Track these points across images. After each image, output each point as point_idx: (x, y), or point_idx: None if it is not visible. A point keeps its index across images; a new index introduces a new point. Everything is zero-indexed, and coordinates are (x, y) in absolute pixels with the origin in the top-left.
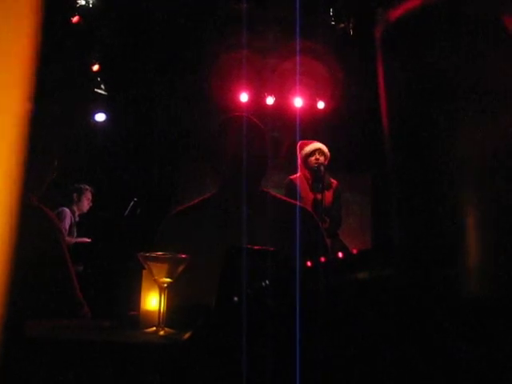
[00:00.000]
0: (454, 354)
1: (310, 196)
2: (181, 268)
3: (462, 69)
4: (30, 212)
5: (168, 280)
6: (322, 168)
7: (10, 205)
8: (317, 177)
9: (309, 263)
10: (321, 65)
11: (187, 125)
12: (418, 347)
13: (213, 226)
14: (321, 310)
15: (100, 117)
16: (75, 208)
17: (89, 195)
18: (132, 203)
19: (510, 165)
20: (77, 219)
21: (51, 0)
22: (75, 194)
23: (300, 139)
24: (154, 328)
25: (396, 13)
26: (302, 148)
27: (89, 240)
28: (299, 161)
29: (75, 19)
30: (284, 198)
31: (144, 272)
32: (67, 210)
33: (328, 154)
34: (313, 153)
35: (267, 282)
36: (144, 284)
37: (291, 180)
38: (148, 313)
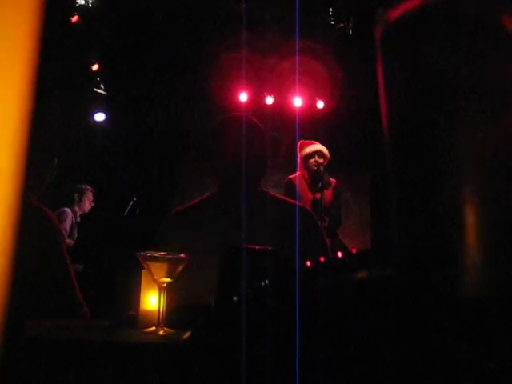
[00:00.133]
0: (454, 353)
1: (309, 195)
2: (180, 268)
3: (462, 69)
4: (30, 212)
5: (167, 280)
6: (321, 167)
7: (11, 205)
8: (316, 176)
9: (308, 263)
10: (320, 65)
11: (187, 125)
12: (417, 347)
13: (212, 225)
14: (320, 309)
15: (99, 116)
16: (77, 208)
17: (90, 195)
18: (131, 203)
19: (510, 165)
20: (78, 220)
21: (50, 0)
22: (76, 195)
23: (299, 139)
24: (154, 328)
25: (395, 13)
26: (301, 148)
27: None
28: (299, 160)
29: (74, 19)
30: (283, 197)
31: (143, 272)
32: (69, 211)
33: (328, 155)
34: (312, 155)
35: (267, 281)
36: (143, 284)
37: (290, 179)
38: (147, 312)
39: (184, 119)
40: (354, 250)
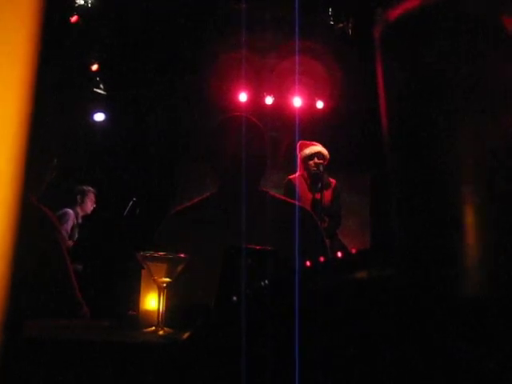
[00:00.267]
0: (454, 353)
1: (309, 196)
2: (180, 268)
3: (462, 69)
4: (30, 212)
5: (167, 280)
6: (320, 168)
7: (10, 205)
8: (315, 177)
9: (308, 263)
10: (320, 65)
11: (187, 125)
12: (417, 347)
13: (212, 225)
14: (320, 310)
15: (99, 116)
16: (79, 209)
17: (92, 197)
18: (131, 203)
19: (510, 165)
20: (80, 221)
21: (50, 0)
22: (79, 196)
23: (299, 139)
24: (154, 328)
25: (395, 12)
26: (301, 149)
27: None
28: (299, 161)
29: (74, 19)
30: (283, 197)
31: (143, 272)
32: (71, 212)
33: (328, 156)
34: (312, 156)
35: (266, 281)
36: (143, 284)
37: (290, 180)
38: (147, 313)
39: (184, 119)
40: (353, 250)
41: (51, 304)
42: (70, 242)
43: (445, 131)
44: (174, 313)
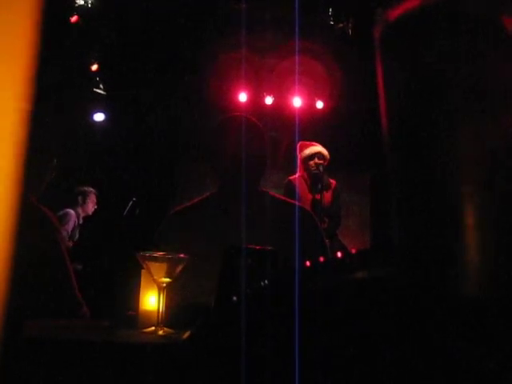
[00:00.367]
0: (454, 353)
1: (309, 196)
2: (180, 268)
3: (462, 69)
4: (29, 212)
5: (167, 280)
6: (320, 168)
7: (10, 205)
8: (315, 178)
9: (308, 263)
10: (320, 65)
11: (187, 125)
12: (417, 347)
13: (212, 225)
14: (320, 309)
15: (99, 116)
16: (80, 210)
17: (94, 198)
18: (131, 203)
19: (510, 165)
20: (81, 222)
21: (50, 0)
22: (80, 197)
23: (299, 139)
24: (153, 328)
25: (395, 12)
26: (301, 149)
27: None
28: (299, 162)
29: (74, 19)
30: (283, 197)
31: (143, 272)
32: (72, 213)
33: (328, 156)
34: (312, 156)
35: (266, 281)
36: (143, 284)
37: (290, 181)
38: (147, 313)
39: (184, 119)
40: (353, 250)
41: (51, 304)
42: (70, 243)
43: (445, 131)
44: (173, 313)
